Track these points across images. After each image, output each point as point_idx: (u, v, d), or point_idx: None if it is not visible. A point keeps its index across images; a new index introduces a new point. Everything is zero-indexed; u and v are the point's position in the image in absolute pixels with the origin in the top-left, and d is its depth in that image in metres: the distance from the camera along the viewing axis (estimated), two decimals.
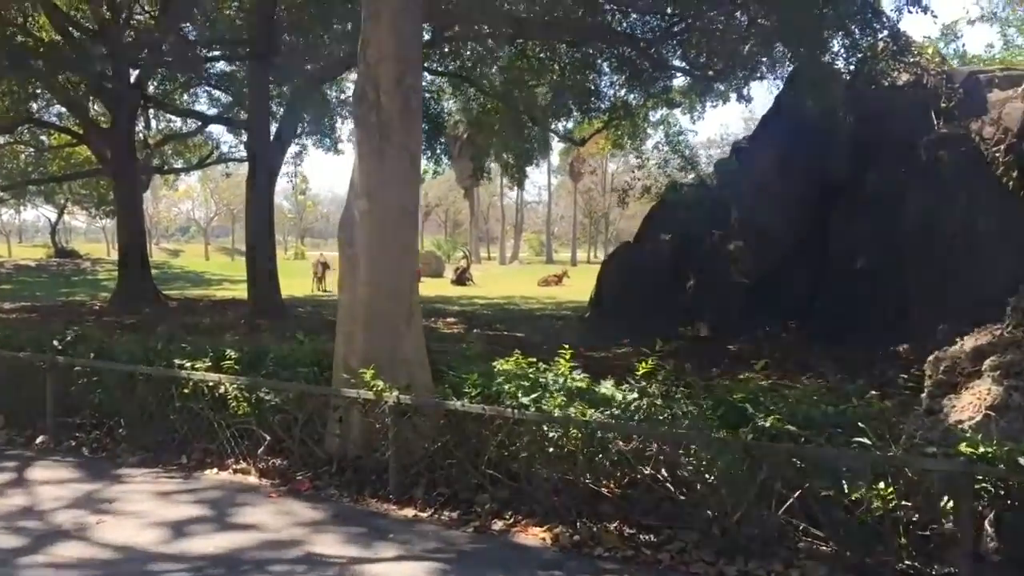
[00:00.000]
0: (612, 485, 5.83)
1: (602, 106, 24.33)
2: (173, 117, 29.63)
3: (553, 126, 24.97)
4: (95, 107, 26.12)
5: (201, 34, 19.46)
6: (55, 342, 8.71)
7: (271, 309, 19.93)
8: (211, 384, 7.36)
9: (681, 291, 18.50)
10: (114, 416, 8.00)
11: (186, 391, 7.45)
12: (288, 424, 7.15)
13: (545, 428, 5.89)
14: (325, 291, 35.07)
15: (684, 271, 18.65)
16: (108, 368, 7.98)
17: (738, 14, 19.25)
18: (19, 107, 23.58)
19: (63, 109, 27.50)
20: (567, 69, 23.48)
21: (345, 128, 25.60)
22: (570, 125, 26.57)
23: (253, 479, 6.94)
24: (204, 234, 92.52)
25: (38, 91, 24.07)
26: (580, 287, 37.36)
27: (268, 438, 7.19)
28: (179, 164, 32.34)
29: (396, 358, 7.28)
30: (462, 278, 39.04)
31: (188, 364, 7.56)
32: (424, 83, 24.17)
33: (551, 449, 5.85)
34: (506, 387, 6.16)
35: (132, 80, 23.13)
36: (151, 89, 24.91)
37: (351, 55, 19.66)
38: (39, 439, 8.15)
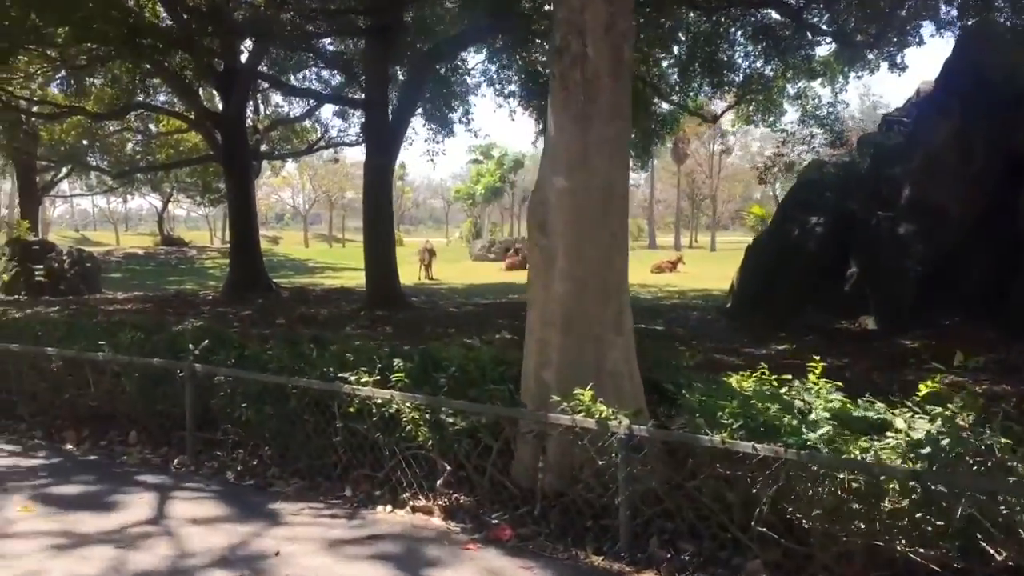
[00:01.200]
0: (938, 551, 4.34)
1: (736, 79, 22.57)
2: (280, 102, 29.00)
3: (681, 101, 23.18)
4: (204, 92, 25.51)
5: (312, 9, 18.32)
6: (191, 346, 7.63)
7: (390, 299, 18.87)
8: (380, 402, 6.11)
9: (839, 280, 16.69)
10: (262, 435, 6.84)
11: (351, 409, 6.22)
12: (470, 451, 5.87)
13: (843, 476, 4.43)
14: (432, 279, 34.10)
15: (842, 258, 16.80)
16: (256, 380, 6.82)
17: None
18: (129, 92, 23.07)
19: (169, 96, 27.13)
20: (698, 39, 21.79)
21: (458, 109, 24.31)
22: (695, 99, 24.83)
23: (437, 521, 5.67)
24: (303, 221, 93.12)
25: (148, 77, 23.51)
26: (696, 273, 35.64)
27: (448, 468, 5.93)
28: (287, 150, 31.52)
29: (602, 371, 5.93)
30: None
31: (352, 377, 6.34)
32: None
33: (856, 505, 4.39)
34: (786, 419, 4.71)
35: (243, 62, 22.42)
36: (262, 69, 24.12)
37: (477, 29, 18.40)
38: (176, 460, 7.09)
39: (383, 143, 18.29)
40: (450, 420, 5.80)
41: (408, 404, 5.96)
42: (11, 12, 13.84)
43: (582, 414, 5.21)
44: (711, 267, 39.05)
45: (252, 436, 6.93)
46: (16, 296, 22.59)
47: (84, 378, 8.02)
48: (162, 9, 20.07)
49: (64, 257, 25.33)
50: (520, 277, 35.18)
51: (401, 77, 19.88)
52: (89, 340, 8.31)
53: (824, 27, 19.77)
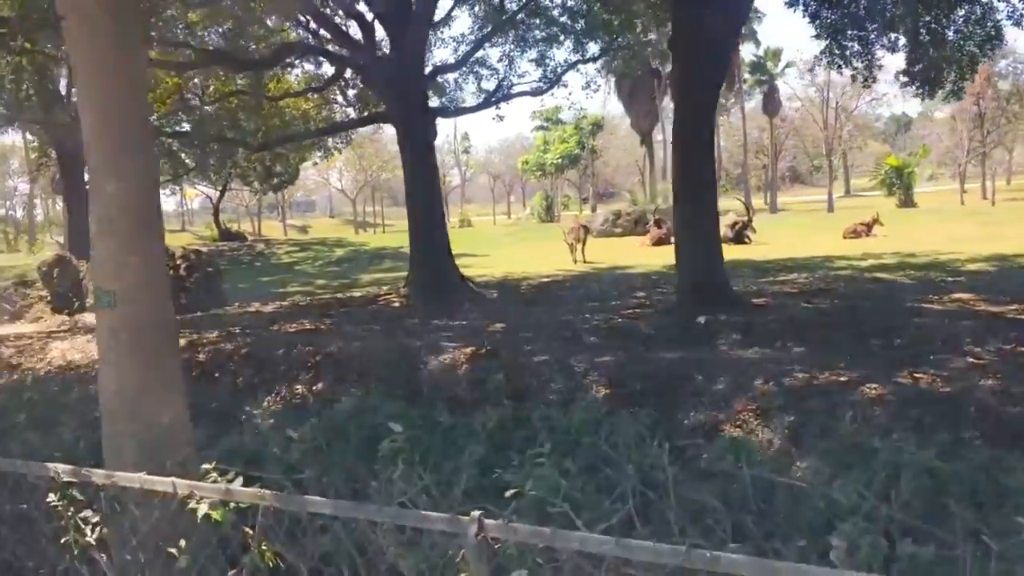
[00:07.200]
0: None
1: None
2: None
3: None
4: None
5: None
6: None
7: (714, 293, 12.94)
8: None
9: None
10: None
11: None
12: None
13: None
14: (588, 262, 27.92)
15: None
16: None
17: None
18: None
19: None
20: None
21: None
22: None
23: None
24: (353, 205, 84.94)
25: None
26: (901, 235, 29.64)
27: None
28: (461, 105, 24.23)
29: None
30: (741, 236, 31.19)
31: None
32: None
33: None
34: None
35: None
36: None
37: None
38: None
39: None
40: None
41: None
42: None
43: None
44: (895, 227, 32.88)
45: None
46: None
47: None
48: None
49: (179, 262, 19.14)
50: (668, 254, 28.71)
51: None
52: None
53: None
